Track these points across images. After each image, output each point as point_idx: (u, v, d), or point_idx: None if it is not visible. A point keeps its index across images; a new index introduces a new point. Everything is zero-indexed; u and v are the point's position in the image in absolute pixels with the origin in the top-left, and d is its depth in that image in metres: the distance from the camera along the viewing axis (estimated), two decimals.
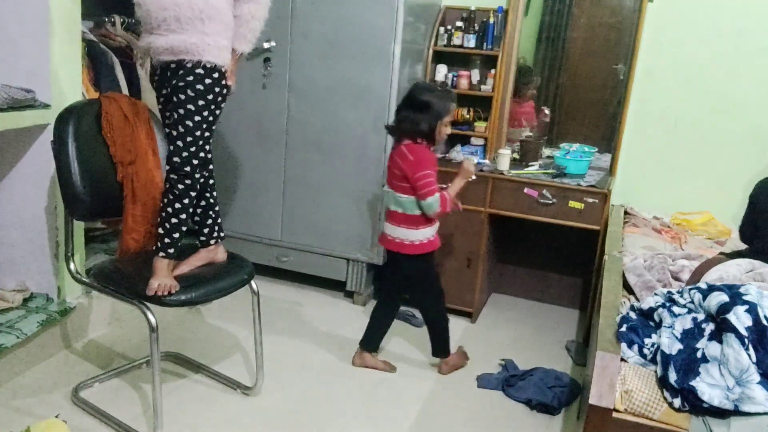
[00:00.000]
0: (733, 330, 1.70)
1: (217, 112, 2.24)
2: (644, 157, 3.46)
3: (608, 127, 3.55)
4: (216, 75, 2.17)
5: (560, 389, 2.69)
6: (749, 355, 1.67)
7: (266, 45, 3.30)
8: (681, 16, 3.28)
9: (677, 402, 1.72)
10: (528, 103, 3.66)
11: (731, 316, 1.72)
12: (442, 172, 3.25)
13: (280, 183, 3.47)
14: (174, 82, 2.17)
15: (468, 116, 3.48)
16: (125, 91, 3.15)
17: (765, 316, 1.72)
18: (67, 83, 2.59)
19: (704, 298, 1.85)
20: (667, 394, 1.75)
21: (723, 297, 1.79)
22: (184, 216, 2.24)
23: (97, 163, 2.29)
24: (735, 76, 3.26)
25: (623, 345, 1.89)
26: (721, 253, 2.50)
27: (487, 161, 3.43)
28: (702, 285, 1.95)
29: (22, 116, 2.40)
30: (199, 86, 2.15)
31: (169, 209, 2.23)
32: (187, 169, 2.20)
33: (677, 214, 3.30)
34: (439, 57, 3.55)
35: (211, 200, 2.48)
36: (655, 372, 1.81)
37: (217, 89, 2.19)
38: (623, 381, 1.79)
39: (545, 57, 3.69)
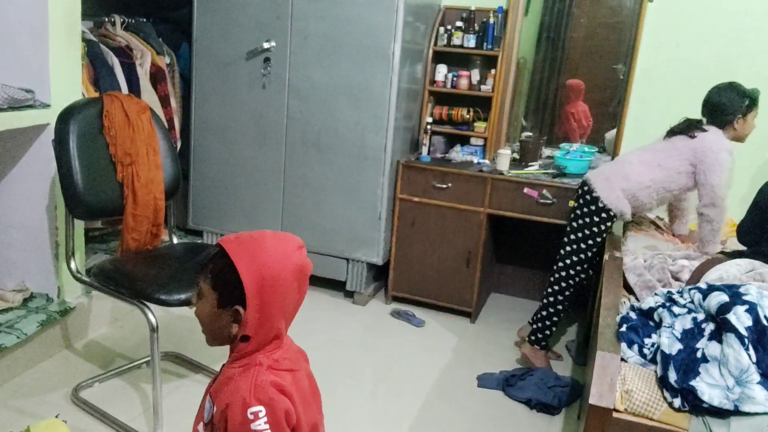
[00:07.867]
0: (733, 330, 1.70)
1: None
2: None
3: (608, 127, 3.55)
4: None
5: (560, 389, 2.69)
6: (749, 355, 1.67)
7: (266, 45, 3.30)
8: (681, 16, 3.28)
9: (677, 402, 1.72)
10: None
11: (731, 316, 1.72)
12: (440, 171, 3.28)
13: (280, 183, 3.46)
14: None
15: (468, 116, 3.48)
16: (125, 91, 3.15)
17: (765, 316, 1.72)
18: (67, 83, 2.59)
19: (704, 298, 1.85)
20: (667, 394, 1.74)
21: (723, 297, 1.79)
22: None
23: (97, 162, 2.29)
24: (735, 76, 3.25)
25: (623, 345, 1.88)
26: (721, 253, 2.50)
27: (486, 161, 3.43)
28: (702, 285, 1.95)
29: (22, 116, 2.41)
30: None
31: None
32: None
33: None
34: (439, 57, 3.55)
35: None
36: (655, 372, 1.81)
37: None
38: (623, 381, 1.79)
39: (545, 57, 3.69)
